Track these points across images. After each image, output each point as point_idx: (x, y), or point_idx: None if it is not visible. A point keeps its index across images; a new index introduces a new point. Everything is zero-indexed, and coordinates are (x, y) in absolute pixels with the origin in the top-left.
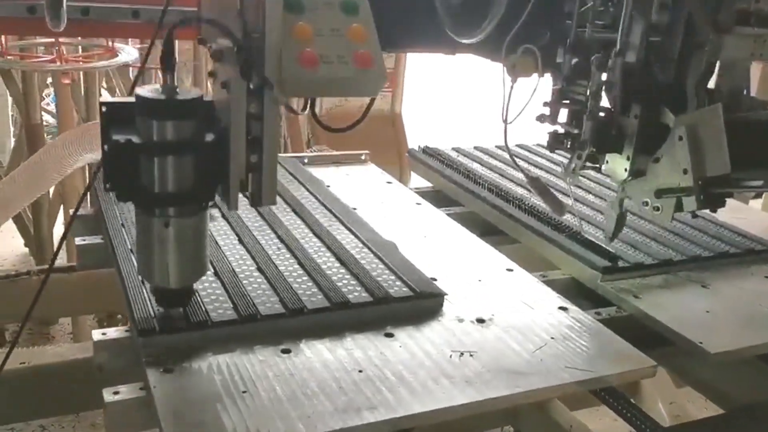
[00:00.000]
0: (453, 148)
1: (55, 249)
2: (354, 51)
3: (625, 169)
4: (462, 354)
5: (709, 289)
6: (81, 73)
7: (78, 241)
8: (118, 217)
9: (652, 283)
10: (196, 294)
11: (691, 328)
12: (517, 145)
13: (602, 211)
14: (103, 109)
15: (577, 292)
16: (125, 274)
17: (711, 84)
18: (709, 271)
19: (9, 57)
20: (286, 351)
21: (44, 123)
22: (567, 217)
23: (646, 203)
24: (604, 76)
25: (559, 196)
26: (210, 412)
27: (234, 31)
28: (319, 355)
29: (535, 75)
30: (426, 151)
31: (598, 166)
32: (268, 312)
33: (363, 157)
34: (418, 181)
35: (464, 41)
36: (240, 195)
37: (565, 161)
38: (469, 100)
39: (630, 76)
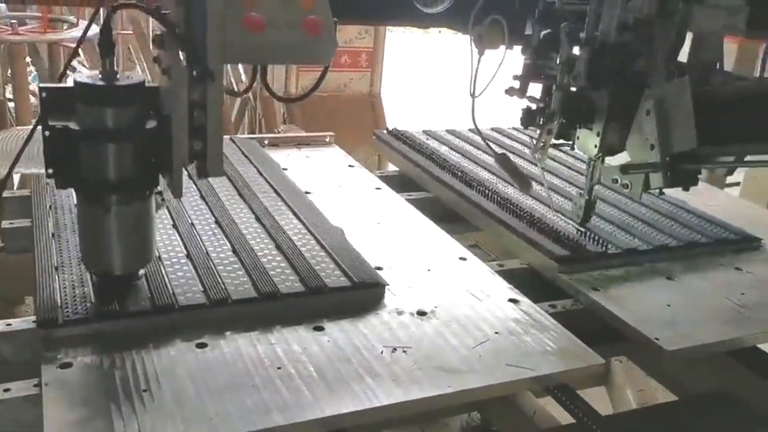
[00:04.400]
0: (424, 131)
1: None
2: (303, 17)
3: (596, 145)
4: (394, 350)
5: (674, 281)
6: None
7: (5, 224)
8: (49, 198)
9: (614, 275)
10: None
11: (649, 323)
12: (492, 129)
13: (571, 197)
14: (43, 94)
15: (534, 283)
16: (37, 260)
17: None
18: (676, 262)
19: None
20: (202, 345)
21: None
22: (531, 203)
23: (616, 180)
24: (576, 50)
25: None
26: (100, 412)
27: (174, 15)
28: (237, 349)
29: (503, 47)
30: (393, 133)
31: (570, 142)
32: (188, 302)
33: (327, 140)
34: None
35: (429, 11)
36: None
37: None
38: (457, 82)
39: (601, 50)
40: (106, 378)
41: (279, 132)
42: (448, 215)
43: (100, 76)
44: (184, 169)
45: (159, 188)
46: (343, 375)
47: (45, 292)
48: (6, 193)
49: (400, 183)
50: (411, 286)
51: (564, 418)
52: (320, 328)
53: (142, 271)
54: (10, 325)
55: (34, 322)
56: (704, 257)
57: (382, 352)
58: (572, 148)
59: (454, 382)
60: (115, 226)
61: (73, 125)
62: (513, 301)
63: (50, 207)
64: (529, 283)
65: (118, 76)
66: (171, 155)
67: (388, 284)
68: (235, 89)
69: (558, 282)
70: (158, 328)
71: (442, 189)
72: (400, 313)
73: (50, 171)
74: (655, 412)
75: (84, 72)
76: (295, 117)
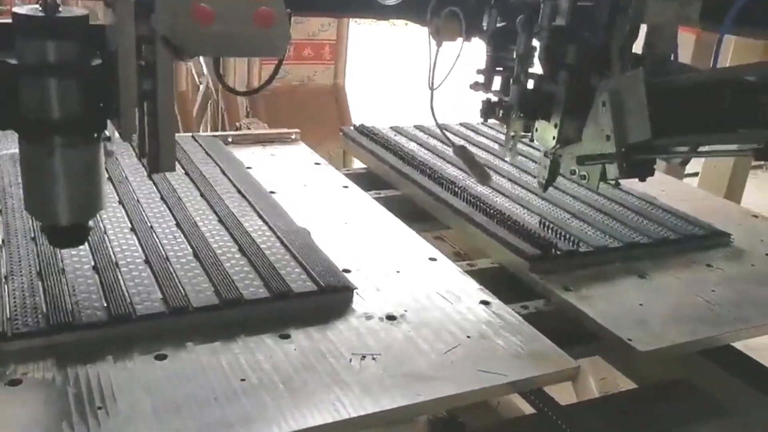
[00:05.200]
0: (391, 127)
1: None
2: (255, 8)
3: (554, 137)
4: (364, 357)
5: (646, 279)
6: None
7: None
8: None
9: (585, 274)
10: (61, 290)
11: (622, 323)
12: (460, 124)
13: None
14: None
15: (505, 283)
16: None
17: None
18: (648, 260)
19: None
20: (161, 357)
21: None
22: (502, 201)
23: (574, 171)
24: (536, 42)
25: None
26: None
27: None
28: (198, 360)
29: (460, 40)
30: (360, 129)
31: (529, 134)
32: (146, 311)
33: (293, 137)
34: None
35: (387, 3)
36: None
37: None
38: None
39: (557, 41)
40: (58, 395)
41: (241, 126)
42: (417, 214)
43: (40, 8)
44: (141, 166)
45: (107, 134)
46: (309, 385)
47: None
48: None
49: (367, 181)
50: (380, 288)
51: (527, 408)
52: (286, 336)
53: (91, 223)
54: None
55: None
56: (675, 254)
57: (350, 360)
58: (531, 140)
59: (426, 389)
60: (61, 170)
61: (12, 60)
62: (484, 303)
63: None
64: (500, 282)
65: (60, 9)
66: (118, 94)
67: (356, 288)
68: (197, 81)
69: (529, 282)
70: (115, 339)
71: (410, 187)
72: (368, 317)
73: None
74: (615, 400)
75: (24, 6)
76: (259, 111)
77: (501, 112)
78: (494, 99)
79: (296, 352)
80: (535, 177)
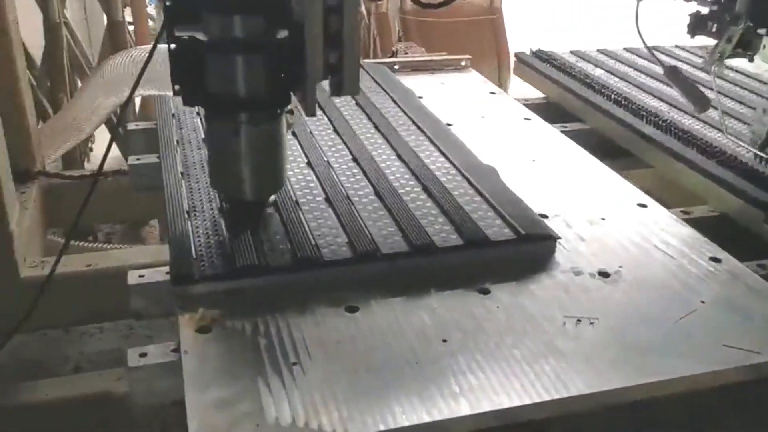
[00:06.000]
0: (572, 52)
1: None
2: None
3: None
4: (579, 321)
5: None
6: None
7: (131, 159)
8: (175, 132)
9: None
10: (243, 234)
11: None
12: (624, 48)
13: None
14: (167, 2)
15: (731, 236)
16: (168, 204)
17: None
18: None
19: None
20: (352, 309)
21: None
22: (718, 137)
23: None
24: None
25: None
26: (246, 389)
27: None
28: (392, 315)
29: None
30: (538, 54)
31: (750, 53)
32: (332, 257)
33: (463, 63)
34: (522, 89)
35: None
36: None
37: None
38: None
39: None
40: (249, 346)
41: (398, 51)
42: (606, 149)
43: None
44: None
45: (289, 107)
46: (521, 352)
47: (178, 243)
48: (130, 125)
49: (549, 112)
50: (585, 238)
51: None
52: (485, 291)
53: (272, 198)
54: (142, 276)
55: (167, 273)
56: None
57: (564, 324)
58: (750, 60)
59: (662, 367)
60: (245, 147)
61: (200, 36)
62: (714, 259)
63: (177, 142)
64: (723, 234)
65: None
66: (305, 68)
67: (560, 237)
68: None
69: (765, 236)
70: (300, 285)
71: (601, 119)
72: (577, 273)
73: (176, 87)
74: None
75: None
76: (411, 34)
77: (714, 25)
78: (704, 11)
79: (499, 310)
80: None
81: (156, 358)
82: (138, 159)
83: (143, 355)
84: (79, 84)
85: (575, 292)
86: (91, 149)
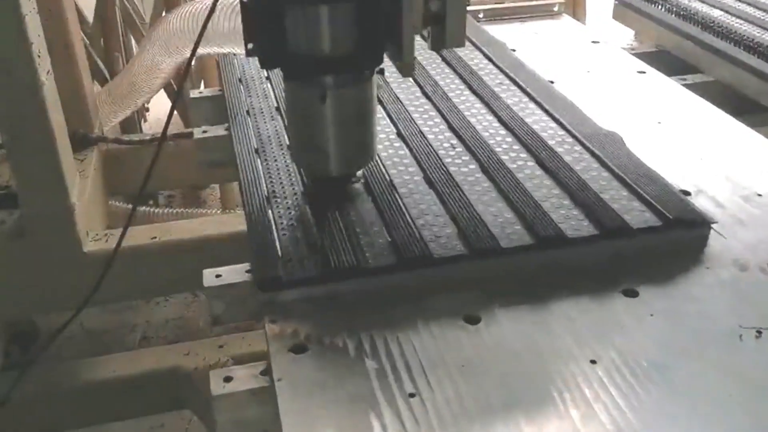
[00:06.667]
0: None
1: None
2: None
3: None
4: (759, 333)
5: None
6: None
7: (197, 133)
8: (245, 100)
9: None
10: (334, 225)
11: None
12: None
13: None
14: None
15: None
16: (244, 190)
17: None
18: None
19: None
20: (473, 320)
21: None
22: None
23: None
24: None
25: None
26: (358, 427)
27: None
28: (523, 329)
29: None
30: None
31: None
32: (443, 253)
33: (556, 8)
34: (614, 33)
35: None
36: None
37: None
38: None
39: None
40: (354, 370)
41: None
42: (738, 106)
43: None
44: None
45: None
46: (693, 376)
47: (260, 239)
48: (192, 93)
49: (659, 63)
50: (743, 221)
51: None
52: (632, 293)
53: (360, 173)
54: (219, 276)
55: (247, 272)
56: None
57: (741, 337)
58: None
59: None
60: (332, 114)
61: None
62: None
63: (248, 112)
64: None
65: None
66: (401, 19)
67: (715, 221)
68: None
69: None
70: (407, 289)
71: (729, 68)
72: (743, 267)
73: (249, 46)
74: None
75: None
76: None
77: None
78: None
79: (654, 320)
80: None
81: (243, 384)
82: (204, 131)
83: (228, 379)
84: (133, 43)
85: (746, 293)
86: (147, 109)
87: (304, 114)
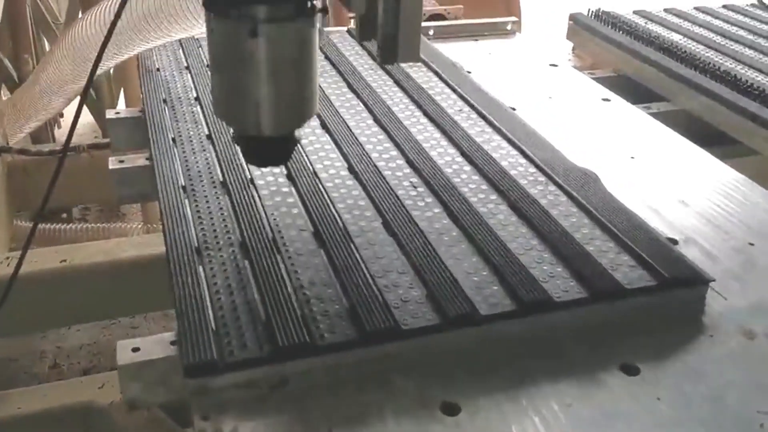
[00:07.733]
0: (635, 12)
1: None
2: None
3: None
4: None
5: None
6: None
7: (112, 163)
8: (170, 126)
9: None
10: (279, 289)
11: None
12: (696, 8)
13: None
14: None
15: None
16: (170, 243)
17: None
18: None
19: None
20: (451, 409)
21: None
22: None
23: None
24: None
25: None
26: None
27: None
28: (512, 419)
29: None
30: (599, 15)
31: None
32: (412, 323)
33: (509, 27)
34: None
35: None
36: None
37: None
38: None
39: None
40: None
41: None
42: (704, 136)
43: None
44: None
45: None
46: None
47: (188, 308)
48: (109, 113)
49: (619, 89)
50: (739, 276)
51: None
52: (631, 370)
53: (299, 132)
54: (137, 350)
55: (171, 343)
56: None
57: (762, 426)
58: None
59: None
60: (265, 55)
61: None
62: None
63: (173, 140)
64: None
65: None
66: None
67: (713, 279)
68: None
69: None
70: (371, 366)
71: (695, 97)
72: (749, 335)
73: None
74: None
75: None
76: None
77: None
78: None
79: (660, 404)
80: None
81: None
82: (121, 161)
83: None
84: (45, 43)
85: (759, 369)
86: (61, 115)
87: (231, 56)
